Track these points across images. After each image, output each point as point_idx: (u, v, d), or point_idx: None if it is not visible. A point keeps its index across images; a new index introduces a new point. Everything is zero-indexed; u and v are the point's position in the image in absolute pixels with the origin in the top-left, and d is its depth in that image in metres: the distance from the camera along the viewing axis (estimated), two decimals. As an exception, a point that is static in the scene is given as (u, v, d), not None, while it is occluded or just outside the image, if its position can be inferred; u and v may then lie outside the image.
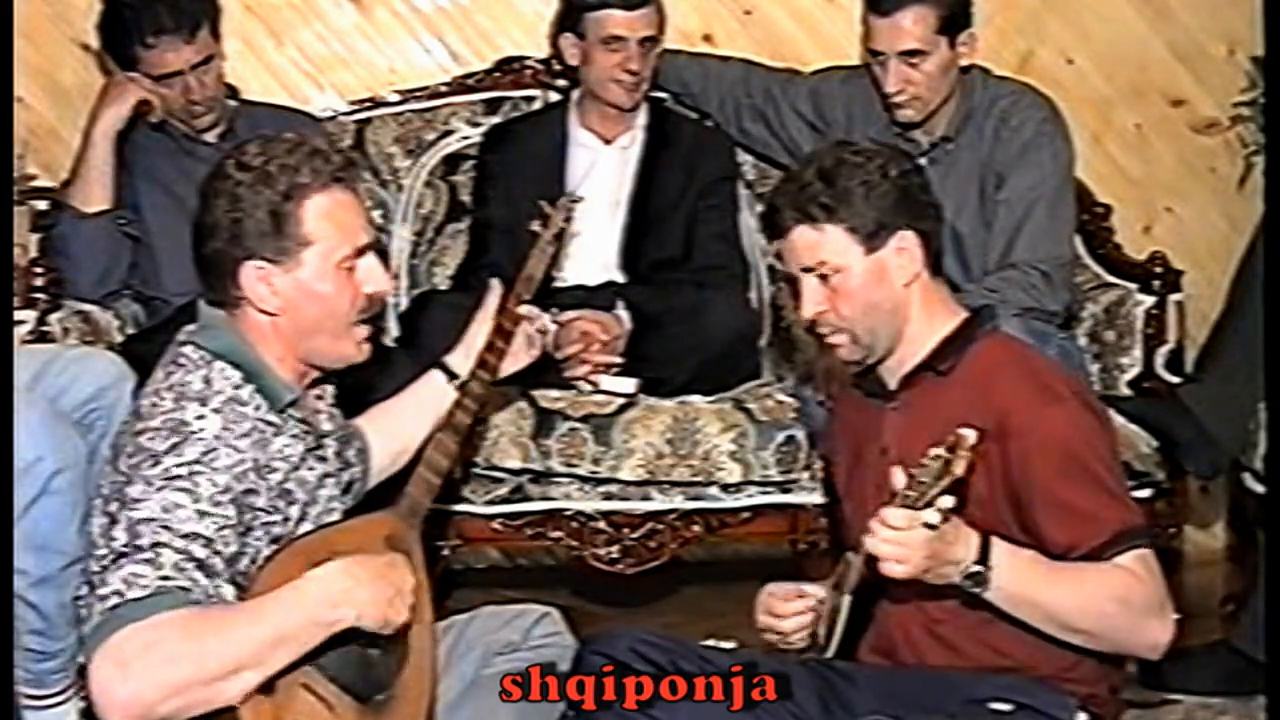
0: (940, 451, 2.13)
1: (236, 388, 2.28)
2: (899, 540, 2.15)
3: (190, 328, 2.35)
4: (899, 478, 2.18)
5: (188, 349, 2.31)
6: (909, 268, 2.40)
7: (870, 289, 2.39)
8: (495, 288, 2.73)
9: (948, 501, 2.12)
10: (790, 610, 2.50)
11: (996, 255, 3.43)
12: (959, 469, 2.12)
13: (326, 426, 2.44)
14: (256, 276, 2.29)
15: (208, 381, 2.27)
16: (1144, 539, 2.33)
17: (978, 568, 2.22)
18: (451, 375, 2.68)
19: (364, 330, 2.36)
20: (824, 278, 2.40)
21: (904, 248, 2.39)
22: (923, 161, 3.53)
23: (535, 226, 2.85)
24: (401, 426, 2.68)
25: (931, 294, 2.44)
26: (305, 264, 2.29)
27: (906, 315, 2.42)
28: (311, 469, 2.36)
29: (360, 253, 2.33)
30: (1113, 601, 2.29)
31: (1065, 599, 2.28)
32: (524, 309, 2.71)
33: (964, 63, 3.46)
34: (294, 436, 2.33)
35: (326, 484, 2.41)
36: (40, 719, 2.76)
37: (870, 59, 3.48)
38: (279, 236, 2.27)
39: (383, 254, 2.42)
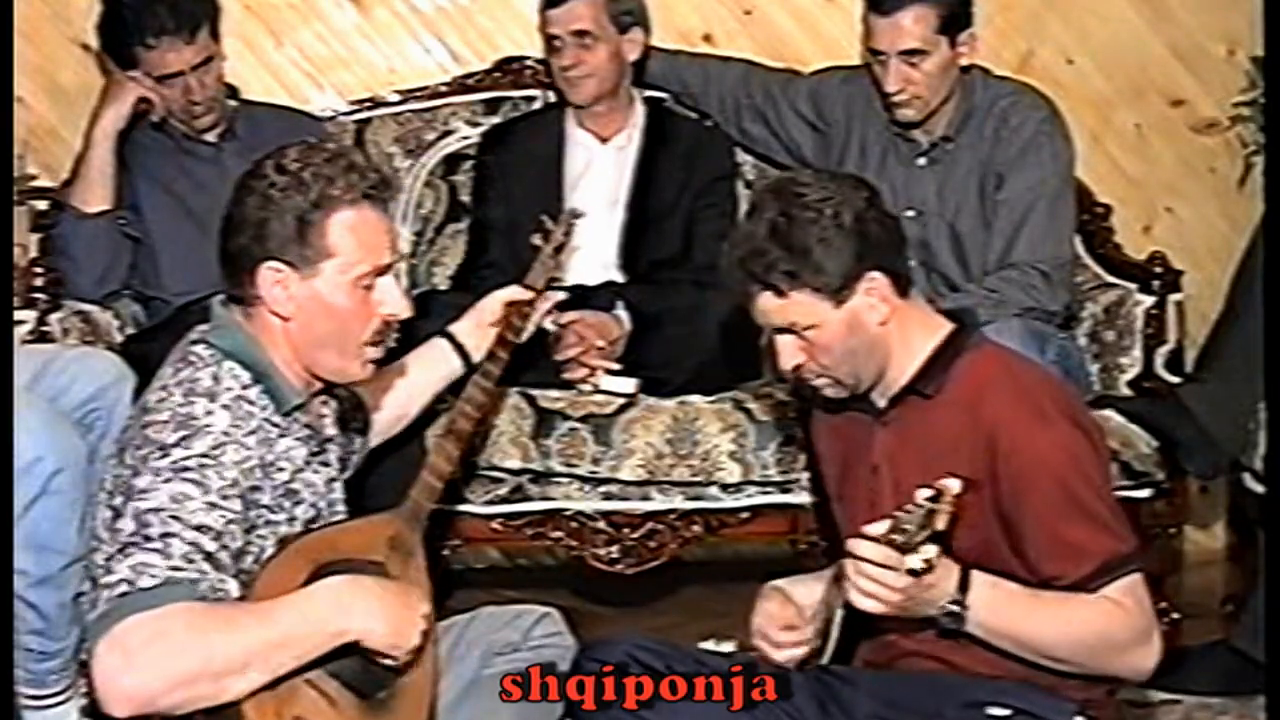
0: (925, 498, 2.10)
1: (245, 387, 2.28)
2: (878, 578, 2.13)
3: (203, 326, 2.35)
4: (881, 526, 2.15)
5: (199, 347, 2.31)
6: (881, 307, 2.35)
7: (846, 339, 2.35)
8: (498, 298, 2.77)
9: (931, 551, 2.10)
10: (785, 641, 2.47)
11: (996, 255, 3.43)
12: (940, 524, 2.09)
13: (330, 431, 2.45)
14: (273, 279, 2.28)
15: (216, 379, 2.27)
16: (1134, 566, 2.30)
17: (955, 606, 2.21)
18: (456, 344, 2.70)
19: (374, 352, 2.36)
20: (797, 334, 2.37)
21: (873, 288, 2.34)
22: (922, 161, 3.54)
23: (536, 240, 2.87)
24: (404, 392, 2.70)
25: (908, 318, 2.39)
26: (323, 274, 2.28)
27: (888, 348, 2.38)
28: (316, 472, 2.37)
29: (381, 272, 2.32)
30: (1095, 635, 2.28)
31: (1046, 632, 2.27)
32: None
33: (964, 63, 3.46)
34: (298, 439, 2.34)
35: (334, 488, 2.42)
36: (40, 719, 2.76)
37: (870, 58, 3.48)
38: (302, 243, 2.27)
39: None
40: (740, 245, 2.37)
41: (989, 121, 3.49)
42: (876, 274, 2.34)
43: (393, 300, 2.34)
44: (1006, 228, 3.42)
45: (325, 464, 2.41)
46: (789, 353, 2.39)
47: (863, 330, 2.35)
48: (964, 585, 2.21)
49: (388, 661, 2.23)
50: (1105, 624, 2.28)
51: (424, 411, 2.79)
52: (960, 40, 3.43)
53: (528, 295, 2.80)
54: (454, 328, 2.74)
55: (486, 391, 2.67)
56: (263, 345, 2.31)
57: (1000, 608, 2.24)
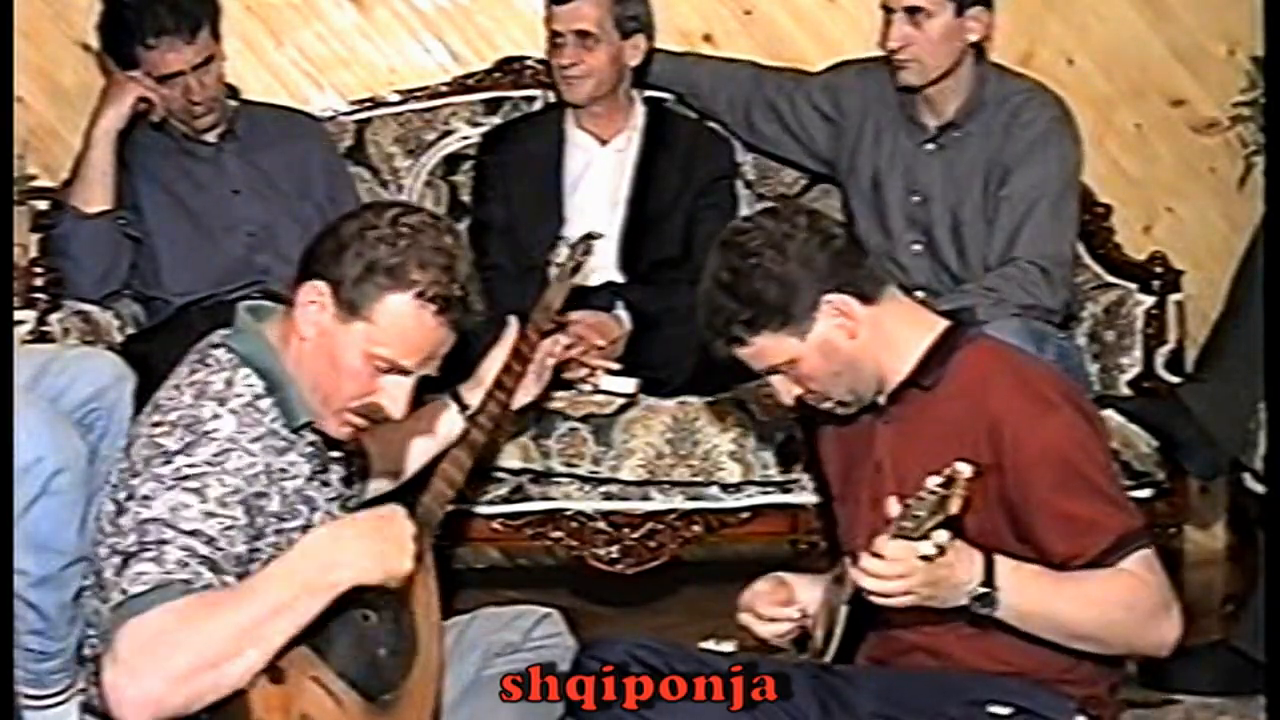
0: (936, 484, 2.12)
1: (257, 397, 2.28)
2: (895, 573, 2.15)
3: (225, 330, 2.35)
4: (894, 507, 2.17)
5: (219, 351, 2.31)
6: (849, 324, 2.36)
7: (826, 365, 2.38)
8: (513, 323, 2.75)
9: (943, 536, 2.11)
10: (771, 615, 2.48)
11: (998, 251, 3.44)
12: (954, 507, 2.11)
13: (333, 453, 2.44)
14: (313, 294, 2.28)
15: (229, 384, 2.27)
16: (1145, 540, 2.33)
17: (985, 589, 2.21)
18: (463, 405, 2.69)
19: (356, 420, 2.33)
20: (783, 372, 2.40)
21: (836, 310, 2.36)
22: (930, 146, 3.57)
23: (553, 259, 2.87)
24: (406, 449, 2.68)
25: (885, 320, 2.40)
26: (350, 329, 2.26)
27: (874, 357, 2.39)
28: (318, 491, 2.37)
29: (401, 371, 2.29)
30: (1120, 607, 2.29)
31: (1073, 610, 2.28)
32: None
33: (972, 38, 3.49)
34: (303, 456, 2.34)
35: (333, 506, 2.42)
36: (40, 719, 2.76)
37: (884, 15, 3.51)
38: (353, 289, 2.25)
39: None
40: (700, 309, 2.41)
41: (1000, 115, 3.51)
42: (833, 296, 2.36)
43: (392, 400, 2.30)
44: (1008, 224, 3.44)
45: (326, 483, 2.41)
46: (785, 390, 2.43)
47: (836, 352, 2.37)
48: (989, 570, 2.22)
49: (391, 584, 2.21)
50: (1129, 595, 2.29)
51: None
52: (969, 13, 3.45)
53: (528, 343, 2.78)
54: (461, 388, 2.72)
55: (502, 405, 2.67)
56: (283, 357, 2.31)
57: (1028, 588, 2.25)
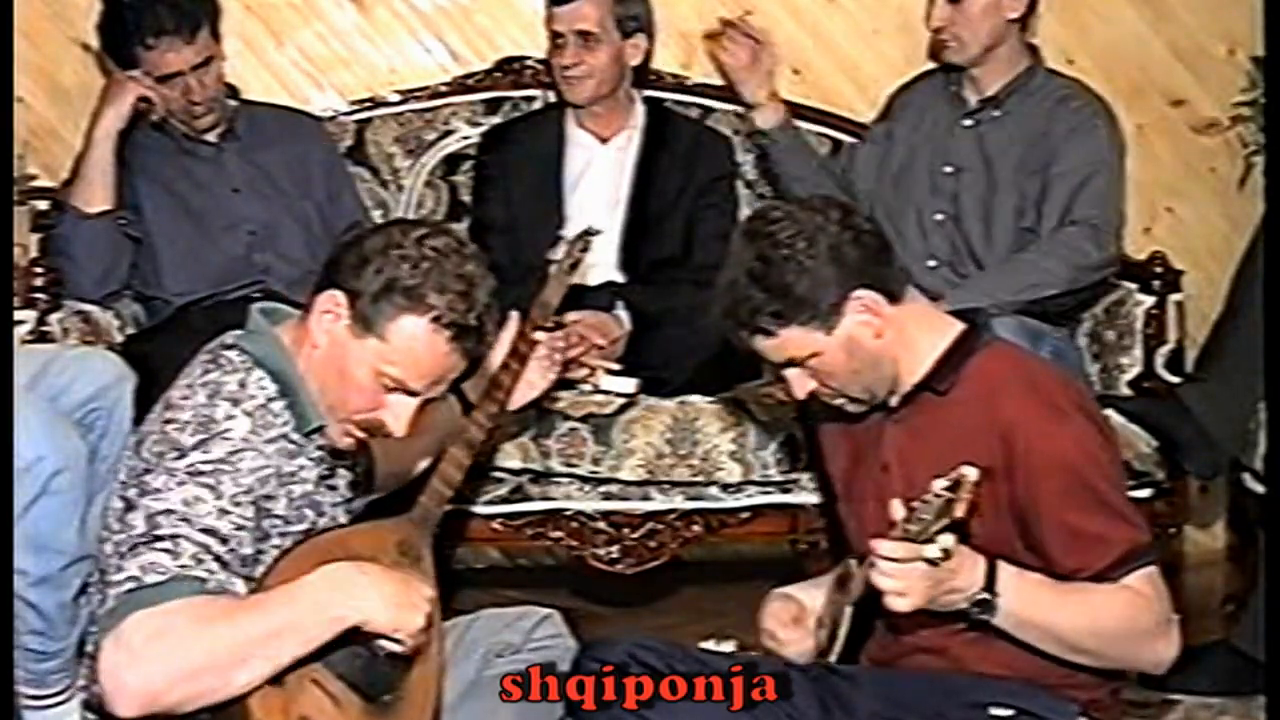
0: (942, 487, 2.11)
1: (270, 399, 2.28)
2: (900, 573, 2.14)
3: (237, 332, 2.35)
4: (899, 510, 2.17)
5: (231, 352, 2.31)
6: (876, 322, 2.35)
7: (848, 361, 2.35)
8: (514, 318, 2.73)
9: (948, 540, 2.10)
10: (791, 638, 2.47)
11: (1053, 221, 3.47)
12: (960, 511, 2.10)
13: (341, 459, 2.44)
14: (330, 304, 2.28)
15: (243, 385, 2.27)
16: (1150, 557, 2.32)
17: (985, 595, 2.21)
18: (467, 404, 2.69)
19: (358, 431, 2.34)
20: (801, 365, 2.38)
21: (864, 307, 2.34)
22: (968, 122, 3.62)
23: (551, 256, 2.87)
24: (409, 449, 2.68)
25: (907, 321, 2.39)
26: (360, 342, 2.27)
27: (893, 357, 2.38)
28: (323, 496, 2.38)
29: (408, 391, 2.29)
30: (1119, 623, 2.29)
31: (1072, 622, 2.27)
32: (539, 335, 2.72)
33: (1011, 15, 3.55)
34: (311, 460, 2.34)
35: (339, 511, 2.43)
36: (40, 719, 2.77)
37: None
38: (370, 305, 2.25)
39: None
40: (723, 296, 2.37)
41: (1045, 102, 3.57)
42: (862, 292, 2.34)
43: (396, 418, 2.31)
44: (1063, 194, 3.47)
45: (333, 488, 2.41)
46: (799, 384, 2.40)
47: (861, 349, 2.36)
48: (991, 576, 2.21)
49: (393, 647, 2.23)
50: (1130, 612, 2.29)
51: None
52: None
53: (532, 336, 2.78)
54: (465, 386, 2.71)
55: (500, 404, 2.66)
56: (295, 361, 2.31)
57: (1028, 597, 2.24)
